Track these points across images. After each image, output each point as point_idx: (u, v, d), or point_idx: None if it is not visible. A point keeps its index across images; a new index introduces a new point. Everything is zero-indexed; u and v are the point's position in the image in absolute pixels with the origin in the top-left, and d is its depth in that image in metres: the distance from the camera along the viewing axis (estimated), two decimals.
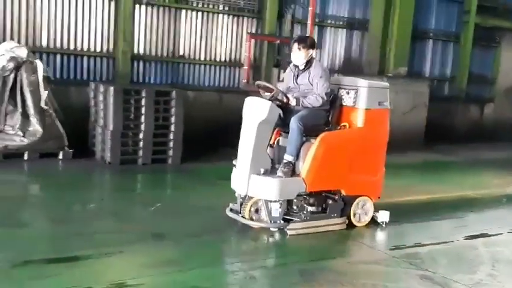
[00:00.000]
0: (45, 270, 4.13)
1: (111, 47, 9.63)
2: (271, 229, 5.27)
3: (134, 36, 9.74)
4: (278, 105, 5.29)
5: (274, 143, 5.59)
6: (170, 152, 8.22)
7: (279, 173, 5.21)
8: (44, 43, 9.06)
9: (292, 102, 5.38)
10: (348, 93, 5.63)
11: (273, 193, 5.16)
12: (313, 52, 5.55)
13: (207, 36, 10.56)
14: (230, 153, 5.90)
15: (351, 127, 5.56)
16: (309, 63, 5.52)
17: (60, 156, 7.89)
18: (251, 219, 5.29)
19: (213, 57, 10.70)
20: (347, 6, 12.13)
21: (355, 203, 5.61)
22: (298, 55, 5.52)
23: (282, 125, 5.43)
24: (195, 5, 10.35)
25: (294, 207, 5.41)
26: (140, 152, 7.99)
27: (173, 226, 5.38)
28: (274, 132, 5.51)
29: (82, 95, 8.81)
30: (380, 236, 5.67)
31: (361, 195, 5.65)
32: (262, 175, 5.19)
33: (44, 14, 8.97)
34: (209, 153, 8.87)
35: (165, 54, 10.21)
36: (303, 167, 5.27)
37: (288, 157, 5.26)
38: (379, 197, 5.85)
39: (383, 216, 5.76)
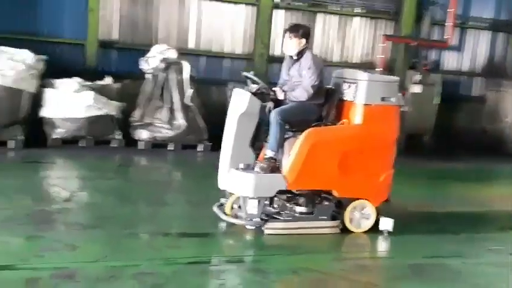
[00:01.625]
0: (179, 242, 4.73)
1: (250, 49, 10.29)
2: (248, 227, 4.95)
3: (271, 39, 10.29)
4: (272, 99, 5.11)
5: None
6: None
7: (257, 168, 4.90)
8: (192, 46, 9.98)
9: (280, 96, 5.13)
10: (349, 87, 5.18)
11: (248, 189, 4.82)
12: (305, 42, 5.17)
13: (342, 39, 10.82)
14: None
15: (349, 123, 5.12)
16: (301, 54, 5.19)
17: (200, 148, 8.67)
18: (236, 215, 5.00)
19: (347, 59, 10.92)
20: (491, 8, 11.61)
21: (351, 206, 5.12)
22: (289, 44, 5.21)
23: None
24: (331, 8, 10.66)
25: (275, 206, 5.10)
26: None
27: None
28: None
29: (222, 94, 9.54)
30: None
31: (358, 199, 5.15)
32: (240, 170, 4.90)
33: (192, 20, 9.89)
34: None
35: None
36: (286, 163, 4.96)
37: (268, 152, 4.98)
38: (386, 201, 5.29)
39: (386, 224, 5.13)
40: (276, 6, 10.30)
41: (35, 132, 7.86)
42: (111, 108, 8.19)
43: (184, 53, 9.62)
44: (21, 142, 7.58)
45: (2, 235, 4.41)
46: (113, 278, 3.80)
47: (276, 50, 10.43)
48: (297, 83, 5.14)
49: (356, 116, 5.08)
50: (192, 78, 8.75)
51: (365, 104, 5.05)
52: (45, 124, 7.99)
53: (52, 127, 7.96)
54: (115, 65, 9.54)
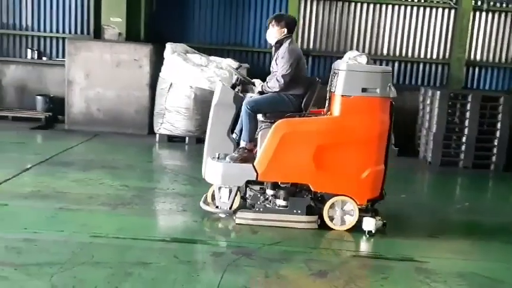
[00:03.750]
0: (348, 236, 4.97)
1: (446, 53, 10.01)
2: (221, 215, 5.00)
3: (470, 43, 9.88)
4: (260, 91, 5.06)
5: None
6: (493, 159, 8.15)
7: (227, 157, 4.88)
8: (385, 51, 10.10)
9: (258, 87, 5.06)
10: (335, 77, 4.83)
11: (217, 178, 4.88)
12: (287, 32, 5.02)
13: None
14: None
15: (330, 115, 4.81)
16: (280, 43, 5.04)
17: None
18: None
19: None
20: None
21: (329, 202, 4.85)
22: (269, 32, 5.12)
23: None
24: None
25: (247, 196, 5.08)
26: (462, 155, 8.20)
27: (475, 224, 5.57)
28: None
29: (413, 99, 9.47)
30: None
31: (338, 195, 4.83)
32: (213, 159, 4.93)
33: (386, 25, 10.00)
34: None
35: (503, 60, 10.01)
36: (257, 154, 4.85)
37: (241, 143, 4.96)
38: (378, 200, 4.95)
39: (368, 224, 4.79)
40: (477, 9, 9.85)
41: None
42: None
43: (377, 58, 9.80)
44: None
45: (195, 217, 5.17)
46: (284, 260, 4.22)
47: (476, 55, 9.99)
48: (274, 73, 5.06)
49: (335, 108, 4.79)
50: None
51: (343, 95, 4.72)
52: None
53: None
54: (309, 71, 10.12)
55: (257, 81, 5.18)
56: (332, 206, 4.90)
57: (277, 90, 4.97)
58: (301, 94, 5.03)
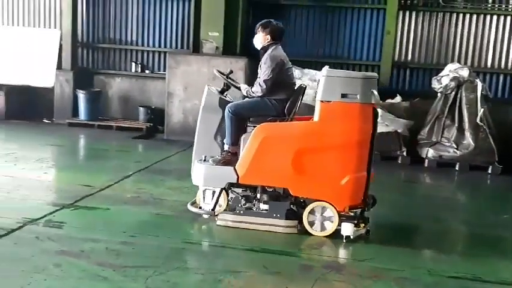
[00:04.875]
0: (445, 257, 4.74)
1: None
2: (204, 216, 5.08)
3: None
4: (247, 96, 5.18)
5: None
6: None
7: (211, 160, 5.00)
8: (489, 64, 9.60)
9: (244, 92, 5.21)
10: (319, 83, 4.86)
11: (200, 179, 5.03)
12: (271, 39, 5.13)
13: None
14: None
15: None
16: (266, 49, 5.13)
17: (489, 171, 8.26)
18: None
19: None
20: None
21: (309, 207, 4.82)
22: (255, 38, 5.23)
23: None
24: None
25: (229, 198, 5.15)
26: None
27: None
28: None
29: None
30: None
31: (318, 200, 4.78)
32: (198, 161, 5.07)
33: (491, 38, 9.51)
34: None
35: None
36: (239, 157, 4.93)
37: (225, 146, 5.08)
38: (355, 207, 4.85)
39: (345, 229, 4.70)
40: None
41: None
42: (398, 125, 8.51)
43: (480, 71, 9.34)
44: None
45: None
46: (375, 277, 4.10)
47: None
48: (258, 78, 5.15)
49: (315, 113, 4.77)
50: (484, 97, 8.43)
51: (322, 101, 4.71)
52: None
53: None
54: (407, 84, 9.87)
55: (243, 86, 5.29)
56: (312, 212, 4.86)
57: (260, 95, 5.05)
58: (285, 99, 5.05)
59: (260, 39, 5.20)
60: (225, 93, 5.34)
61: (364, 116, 4.73)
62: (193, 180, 5.25)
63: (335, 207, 4.79)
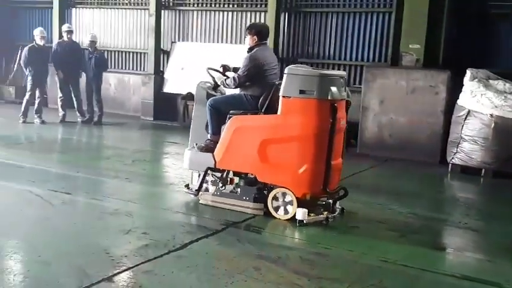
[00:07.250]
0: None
1: None
2: (191, 195, 5.80)
3: None
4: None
5: None
6: None
7: (196, 147, 5.70)
8: None
9: (218, 82, 5.82)
10: None
11: (186, 163, 5.80)
12: (257, 40, 5.68)
13: None
14: None
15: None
16: (252, 49, 5.67)
17: None
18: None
19: None
20: None
21: (272, 193, 5.31)
22: (246, 39, 5.78)
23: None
24: None
25: (208, 181, 5.68)
26: None
27: None
28: None
29: None
30: None
31: (279, 186, 5.26)
32: (189, 148, 5.81)
33: None
34: None
35: None
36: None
37: (208, 135, 5.70)
38: (313, 194, 5.21)
39: (299, 214, 5.13)
40: None
41: None
42: None
43: None
44: None
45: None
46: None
47: None
48: None
49: (279, 108, 5.21)
50: None
51: (284, 96, 5.16)
52: None
53: None
54: None
55: (229, 75, 5.81)
56: (275, 198, 5.28)
57: (233, 87, 5.68)
58: (258, 95, 5.54)
59: (248, 41, 5.77)
60: (218, 89, 5.91)
61: (321, 111, 5.08)
62: (183, 164, 5.92)
63: (293, 193, 5.20)
